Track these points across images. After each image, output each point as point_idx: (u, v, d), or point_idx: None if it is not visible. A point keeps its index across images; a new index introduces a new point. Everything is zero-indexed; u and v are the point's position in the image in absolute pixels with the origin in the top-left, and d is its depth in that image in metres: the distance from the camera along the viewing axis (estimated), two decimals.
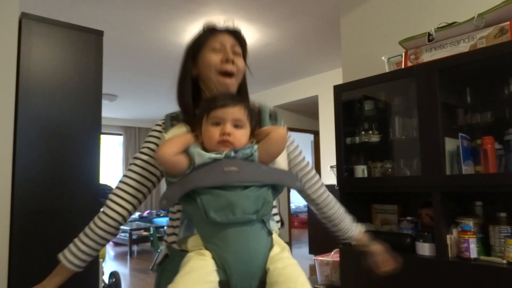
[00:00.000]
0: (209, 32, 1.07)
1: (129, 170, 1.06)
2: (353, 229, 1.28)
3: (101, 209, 1.07)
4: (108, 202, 1.05)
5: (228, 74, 1.03)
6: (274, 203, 1.03)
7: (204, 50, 1.05)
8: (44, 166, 1.93)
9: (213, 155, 0.88)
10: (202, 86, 1.08)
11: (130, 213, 1.07)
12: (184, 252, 0.89)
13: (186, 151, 0.90)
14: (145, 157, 1.05)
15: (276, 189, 0.91)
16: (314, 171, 1.23)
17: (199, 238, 0.86)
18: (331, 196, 1.25)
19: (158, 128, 1.07)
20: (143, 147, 1.07)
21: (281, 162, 1.03)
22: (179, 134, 0.95)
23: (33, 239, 1.87)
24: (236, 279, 0.82)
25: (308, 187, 1.20)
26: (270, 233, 0.88)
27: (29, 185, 1.88)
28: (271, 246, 0.88)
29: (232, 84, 1.05)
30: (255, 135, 0.97)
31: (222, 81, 1.03)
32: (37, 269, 1.87)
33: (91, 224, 1.06)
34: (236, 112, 0.92)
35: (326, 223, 1.27)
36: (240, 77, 1.08)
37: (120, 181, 1.06)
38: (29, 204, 1.87)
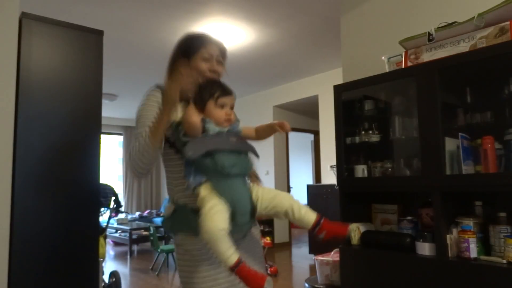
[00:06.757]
0: (202, 42, 1.37)
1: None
2: None
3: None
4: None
5: None
6: None
7: (196, 56, 1.35)
8: (44, 165, 1.93)
9: (221, 129, 1.25)
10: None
11: None
12: (185, 207, 1.27)
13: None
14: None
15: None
16: None
17: (209, 185, 1.20)
18: None
19: (159, 97, 1.31)
20: (150, 109, 1.29)
21: None
22: (191, 108, 1.26)
23: (33, 238, 1.87)
24: (238, 209, 1.20)
25: None
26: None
27: (29, 185, 1.88)
28: (249, 189, 1.28)
29: None
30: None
31: None
32: (37, 269, 1.88)
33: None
34: (233, 99, 1.31)
35: None
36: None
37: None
38: (29, 203, 1.87)
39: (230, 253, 1.12)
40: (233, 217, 1.19)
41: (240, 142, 1.28)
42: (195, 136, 1.22)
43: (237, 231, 1.24)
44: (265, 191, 1.27)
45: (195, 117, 1.21)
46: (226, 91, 1.28)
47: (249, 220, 1.26)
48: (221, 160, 1.18)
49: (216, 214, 1.15)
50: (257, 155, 1.33)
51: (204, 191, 1.20)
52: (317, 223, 1.23)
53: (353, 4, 2.67)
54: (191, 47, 1.37)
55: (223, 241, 1.12)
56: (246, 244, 1.34)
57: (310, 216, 1.24)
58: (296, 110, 7.12)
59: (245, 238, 1.35)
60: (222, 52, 1.41)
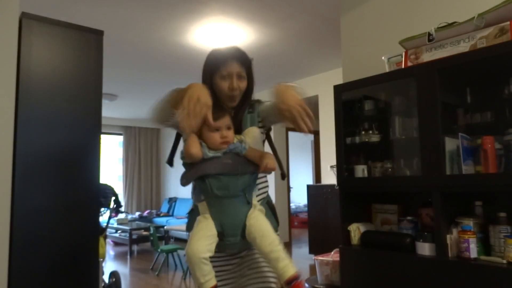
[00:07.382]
0: (221, 61, 1.36)
1: None
2: None
3: None
4: None
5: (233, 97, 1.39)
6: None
7: (215, 76, 1.37)
8: (44, 165, 1.93)
9: (213, 154, 1.27)
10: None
11: None
12: (197, 209, 1.33)
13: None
14: None
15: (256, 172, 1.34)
16: None
17: (205, 204, 1.28)
18: None
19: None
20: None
21: (259, 147, 1.39)
22: (192, 138, 1.30)
23: (33, 238, 1.87)
24: (226, 231, 1.26)
25: None
26: (249, 202, 1.29)
27: (29, 185, 1.88)
28: (249, 209, 1.29)
29: (236, 100, 1.41)
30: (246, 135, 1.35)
31: (228, 101, 1.40)
32: (37, 268, 1.88)
33: None
34: (227, 120, 1.29)
35: None
36: (242, 92, 1.41)
37: None
38: (29, 204, 1.87)
39: (205, 280, 1.21)
40: (222, 237, 1.26)
41: (237, 163, 1.26)
42: (197, 161, 1.26)
43: (229, 248, 1.31)
44: (257, 225, 1.25)
45: (194, 149, 1.23)
46: (218, 114, 1.27)
47: (240, 240, 1.28)
48: (211, 184, 1.24)
49: (201, 239, 1.22)
50: (265, 173, 1.31)
51: (201, 207, 1.30)
52: (291, 280, 1.19)
53: (353, 4, 2.67)
54: (211, 67, 1.38)
55: (200, 268, 1.20)
56: (245, 260, 1.39)
57: (286, 271, 1.21)
58: None
59: (244, 257, 1.39)
60: (246, 65, 1.39)
